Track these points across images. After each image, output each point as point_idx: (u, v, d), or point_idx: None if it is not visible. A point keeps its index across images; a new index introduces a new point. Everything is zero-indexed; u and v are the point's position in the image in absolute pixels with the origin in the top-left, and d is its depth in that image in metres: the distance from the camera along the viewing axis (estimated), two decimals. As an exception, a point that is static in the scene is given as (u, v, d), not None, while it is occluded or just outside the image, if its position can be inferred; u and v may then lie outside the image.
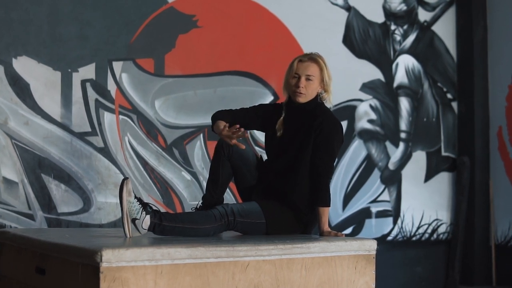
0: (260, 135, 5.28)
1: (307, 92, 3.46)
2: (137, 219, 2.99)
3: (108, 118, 4.70)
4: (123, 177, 4.66)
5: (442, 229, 6.39)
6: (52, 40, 4.48)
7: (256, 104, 3.77)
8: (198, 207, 3.54)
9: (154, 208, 3.09)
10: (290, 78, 3.49)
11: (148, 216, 3.02)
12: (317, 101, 3.51)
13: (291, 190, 3.43)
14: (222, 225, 3.24)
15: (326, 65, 3.49)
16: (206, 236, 3.20)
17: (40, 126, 4.44)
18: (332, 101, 3.56)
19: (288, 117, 3.53)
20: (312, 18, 5.66)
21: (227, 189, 3.71)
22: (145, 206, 3.04)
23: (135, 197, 3.02)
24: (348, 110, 5.85)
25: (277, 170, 3.49)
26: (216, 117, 3.57)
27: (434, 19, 6.45)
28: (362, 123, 5.93)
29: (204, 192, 3.62)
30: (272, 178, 3.50)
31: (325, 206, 3.41)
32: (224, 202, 3.55)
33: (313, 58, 3.49)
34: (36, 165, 4.40)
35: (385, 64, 6.10)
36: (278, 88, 5.40)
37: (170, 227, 3.09)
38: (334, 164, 3.54)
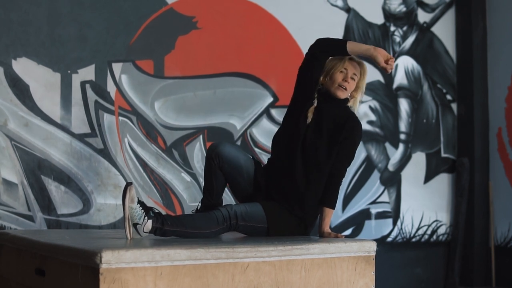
0: (260, 137, 5.28)
1: (349, 89, 3.48)
2: (138, 224, 2.99)
3: (107, 120, 4.70)
4: (122, 179, 4.69)
5: (441, 230, 6.39)
6: (51, 41, 4.48)
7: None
8: (198, 208, 3.53)
9: (156, 211, 3.08)
10: (337, 72, 3.46)
11: (149, 221, 3.01)
12: (347, 102, 3.53)
13: (302, 188, 3.39)
14: (223, 228, 3.22)
15: (366, 73, 3.53)
16: (206, 238, 3.20)
17: (39, 128, 4.43)
18: (357, 108, 3.57)
19: (320, 110, 3.48)
20: (311, 19, 5.66)
21: (226, 189, 3.69)
22: (147, 211, 3.02)
23: (139, 201, 3.01)
24: (348, 112, 5.85)
25: (292, 163, 3.42)
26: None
27: (434, 21, 6.46)
28: (362, 125, 5.92)
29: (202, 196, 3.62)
30: (282, 169, 3.44)
31: (331, 208, 3.42)
32: (224, 203, 3.53)
33: (362, 62, 3.55)
34: (36, 166, 4.40)
35: (385, 65, 6.09)
36: (277, 89, 5.40)
37: (171, 231, 3.08)
38: None
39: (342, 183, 3.49)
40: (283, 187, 3.43)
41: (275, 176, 3.47)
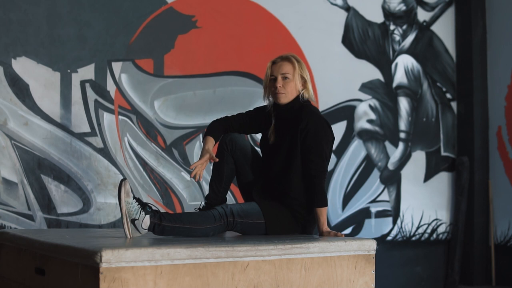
0: (260, 136, 5.28)
1: (286, 91, 3.50)
2: (136, 219, 3.00)
3: (107, 119, 4.71)
4: (122, 178, 4.69)
5: (441, 229, 6.39)
6: (51, 41, 4.48)
7: (252, 108, 3.79)
8: (201, 207, 3.55)
9: (154, 208, 3.10)
10: (269, 82, 3.57)
11: (147, 216, 3.04)
12: (300, 102, 3.53)
13: (285, 192, 3.46)
14: (221, 226, 3.26)
15: (299, 62, 3.54)
16: (205, 236, 3.21)
17: (39, 127, 4.44)
18: (312, 96, 3.57)
19: (277, 123, 3.57)
20: (311, 18, 5.66)
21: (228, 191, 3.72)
22: (144, 206, 3.05)
23: (134, 197, 3.03)
24: (347, 110, 5.86)
25: (271, 173, 3.52)
26: (209, 131, 3.58)
27: (433, 19, 6.46)
28: (362, 123, 5.93)
29: (207, 192, 3.63)
30: (268, 180, 3.53)
31: (322, 207, 3.42)
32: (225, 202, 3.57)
33: (285, 57, 3.56)
34: (36, 165, 4.40)
35: (384, 64, 6.10)
36: (277, 89, 5.40)
37: (169, 227, 3.10)
38: (329, 163, 3.55)
39: (324, 179, 3.48)
40: (272, 185, 3.51)
41: (266, 175, 3.55)
